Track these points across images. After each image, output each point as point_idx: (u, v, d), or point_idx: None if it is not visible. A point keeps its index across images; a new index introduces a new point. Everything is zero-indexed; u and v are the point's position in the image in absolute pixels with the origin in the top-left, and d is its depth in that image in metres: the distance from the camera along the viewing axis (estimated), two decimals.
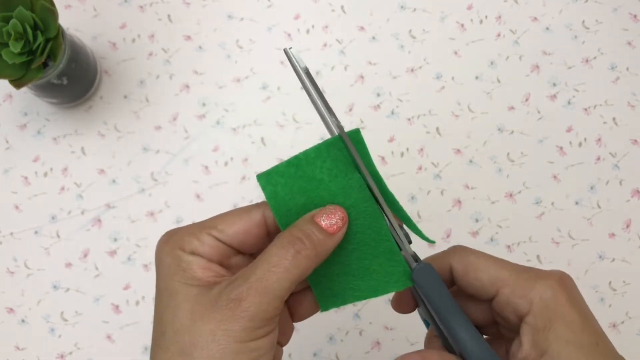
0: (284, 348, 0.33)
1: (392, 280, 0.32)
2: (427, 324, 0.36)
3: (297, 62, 0.31)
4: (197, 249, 0.29)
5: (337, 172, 0.31)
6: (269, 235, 0.31)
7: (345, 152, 0.31)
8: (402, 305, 0.35)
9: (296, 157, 0.31)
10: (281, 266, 0.28)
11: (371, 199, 0.31)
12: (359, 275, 0.32)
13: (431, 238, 0.33)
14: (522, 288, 0.31)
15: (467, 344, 0.30)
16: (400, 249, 0.32)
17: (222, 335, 0.27)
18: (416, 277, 0.31)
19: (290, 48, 0.31)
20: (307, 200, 0.31)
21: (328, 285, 0.32)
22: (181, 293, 0.28)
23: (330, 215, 0.30)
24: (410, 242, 0.33)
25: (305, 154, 0.31)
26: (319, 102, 0.31)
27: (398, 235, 0.32)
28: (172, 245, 0.30)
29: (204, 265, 0.29)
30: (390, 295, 0.58)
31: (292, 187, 0.31)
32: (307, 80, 0.31)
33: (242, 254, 0.31)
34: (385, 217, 0.31)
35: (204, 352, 0.27)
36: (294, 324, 0.34)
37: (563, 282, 0.31)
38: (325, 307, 0.33)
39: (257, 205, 0.31)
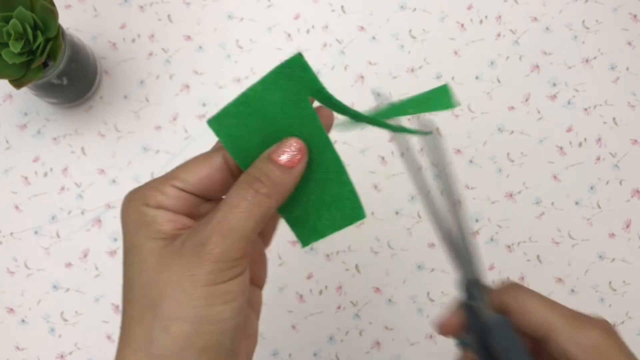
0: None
1: (360, 207, 0.31)
2: (462, 345, 0.36)
3: None
4: (162, 202, 0.29)
5: (289, 103, 0.29)
6: (234, 178, 0.30)
7: (294, 80, 0.29)
8: (450, 330, 0.35)
9: (244, 95, 0.29)
10: (242, 206, 0.27)
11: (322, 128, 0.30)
12: (332, 204, 0.31)
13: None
14: (573, 334, 0.31)
15: None
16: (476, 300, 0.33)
17: (188, 282, 0.26)
18: (494, 329, 0.32)
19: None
20: (264, 137, 0.29)
21: (303, 219, 0.31)
22: (146, 247, 0.28)
23: (287, 149, 0.29)
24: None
25: (253, 90, 0.29)
26: None
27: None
28: (136, 201, 0.29)
29: (170, 217, 0.29)
30: (391, 294, 0.58)
31: (247, 126, 0.29)
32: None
33: (211, 201, 0.30)
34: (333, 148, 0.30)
35: (172, 302, 0.26)
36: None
37: (611, 330, 0.32)
38: (305, 242, 0.32)
39: (217, 149, 0.31)
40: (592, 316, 0.33)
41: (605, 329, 0.32)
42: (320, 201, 0.31)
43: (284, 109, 0.29)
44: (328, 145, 0.30)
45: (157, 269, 0.27)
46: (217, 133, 0.30)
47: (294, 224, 0.32)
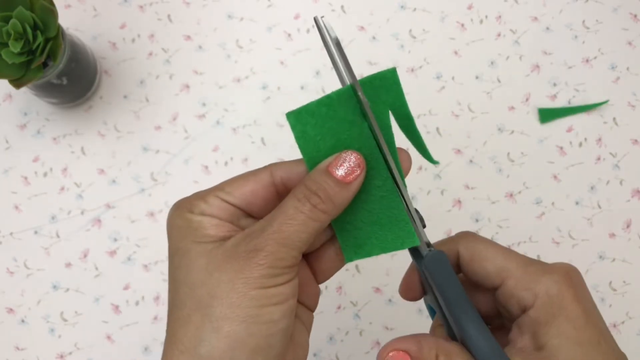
0: None
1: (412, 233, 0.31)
2: (431, 312, 0.35)
3: (327, 31, 0.29)
4: (205, 210, 0.29)
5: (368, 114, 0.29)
6: (279, 196, 0.30)
7: (380, 92, 0.29)
8: (410, 292, 0.34)
9: (328, 97, 0.29)
10: (298, 219, 0.28)
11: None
12: (386, 224, 0.31)
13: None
14: (527, 281, 0.30)
15: (472, 334, 0.29)
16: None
17: (241, 284, 0.27)
18: (427, 264, 0.31)
19: (322, 17, 0.30)
20: (337, 142, 0.30)
21: (353, 234, 0.31)
22: (194, 250, 0.28)
23: (344, 163, 0.29)
24: (424, 226, 0.32)
25: (338, 94, 0.30)
26: (347, 76, 0.30)
27: (413, 218, 0.31)
28: (181, 210, 0.30)
29: (215, 223, 0.29)
30: (391, 294, 0.58)
31: (322, 128, 0.30)
32: (337, 52, 0.29)
33: (252, 218, 0.31)
34: (393, 176, 0.30)
35: (224, 301, 0.26)
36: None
37: (570, 276, 0.30)
38: (349, 258, 0.32)
39: (266, 167, 0.31)
40: (554, 264, 0.31)
41: (565, 275, 0.30)
42: (374, 219, 0.31)
43: (364, 118, 0.30)
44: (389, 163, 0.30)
45: (207, 269, 0.27)
46: (293, 128, 0.30)
47: (342, 237, 0.32)
